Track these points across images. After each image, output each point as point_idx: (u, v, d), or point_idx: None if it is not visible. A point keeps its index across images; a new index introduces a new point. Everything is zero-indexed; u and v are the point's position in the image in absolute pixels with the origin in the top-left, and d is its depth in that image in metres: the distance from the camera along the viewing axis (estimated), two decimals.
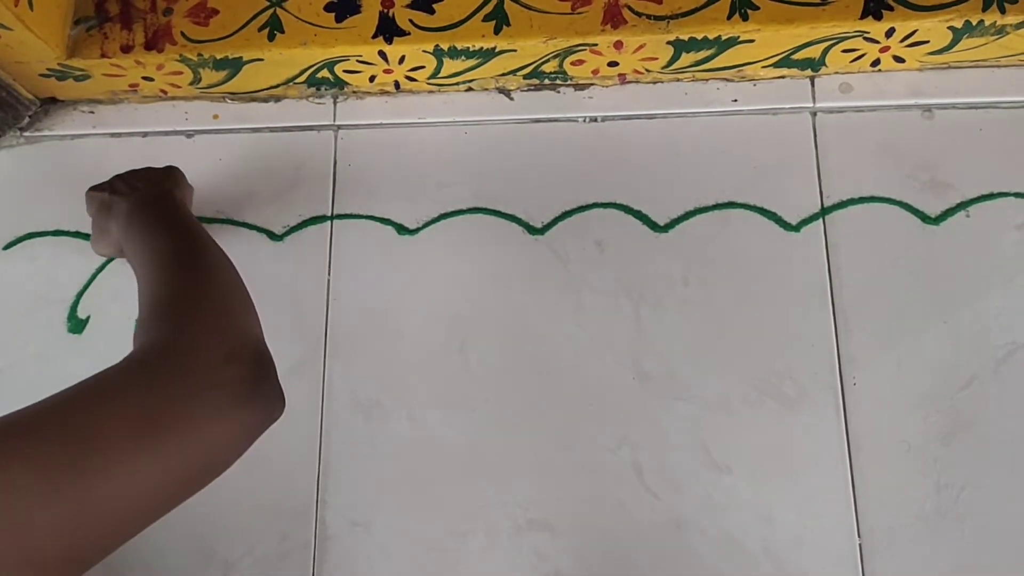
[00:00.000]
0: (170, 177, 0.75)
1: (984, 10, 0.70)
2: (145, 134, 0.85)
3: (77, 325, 0.80)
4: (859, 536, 0.70)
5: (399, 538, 0.73)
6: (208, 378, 0.48)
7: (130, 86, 0.82)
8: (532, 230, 0.79)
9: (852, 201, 0.77)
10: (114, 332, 0.79)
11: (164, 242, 0.62)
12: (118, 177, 0.74)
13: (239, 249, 0.80)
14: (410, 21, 0.75)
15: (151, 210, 0.67)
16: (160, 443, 0.44)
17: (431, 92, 0.84)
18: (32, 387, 0.77)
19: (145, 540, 0.70)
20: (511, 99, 0.83)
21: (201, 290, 0.56)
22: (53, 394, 0.46)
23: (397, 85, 0.83)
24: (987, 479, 0.70)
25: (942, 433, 0.71)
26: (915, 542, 0.70)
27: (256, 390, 0.50)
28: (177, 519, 0.73)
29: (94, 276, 0.81)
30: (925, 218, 0.76)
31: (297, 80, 0.81)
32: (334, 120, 0.84)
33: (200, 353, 0.49)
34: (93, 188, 0.74)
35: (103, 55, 0.76)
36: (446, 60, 0.77)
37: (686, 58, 0.77)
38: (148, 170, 0.75)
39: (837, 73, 0.80)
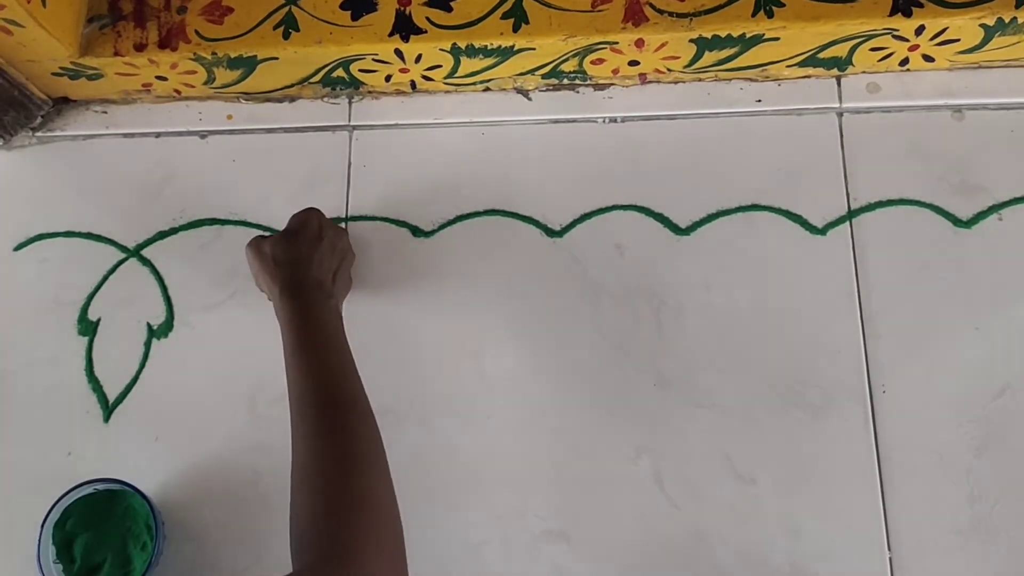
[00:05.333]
0: (344, 262, 0.71)
1: (1017, 7, 0.68)
2: (158, 134, 0.84)
3: (87, 327, 0.78)
4: (889, 550, 0.68)
5: (412, 548, 0.71)
6: None
7: (143, 85, 0.81)
8: (550, 233, 0.78)
9: (880, 204, 0.75)
10: (124, 335, 0.78)
11: (336, 410, 0.59)
12: (344, 240, 0.72)
13: None
14: (427, 19, 0.74)
15: (329, 340, 0.63)
16: None
17: (448, 92, 0.82)
18: (42, 390, 0.77)
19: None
20: (529, 99, 0.82)
21: (371, 501, 0.54)
22: None
23: (413, 85, 0.81)
24: (1022, 491, 0.68)
25: (975, 444, 0.69)
26: (947, 556, 0.67)
27: None
28: (185, 524, 0.72)
29: (105, 278, 0.80)
30: (956, 221, 0.74)
31: (312, 80, 0.80)
32: (349, 120, 0.83)
33: None
34: (318, 217, 0.71)
35: (116, 53, 0.75)
36: (463, 59, 0.76)
37: (709, 57, 0.75)
38: (343, 253, 0.72)
39: (864, 72, 0.78)
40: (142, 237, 0.81)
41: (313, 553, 0.51)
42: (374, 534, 0.52)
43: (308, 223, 0.70)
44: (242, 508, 0.73)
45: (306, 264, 0.67)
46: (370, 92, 0.83)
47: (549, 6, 0.73)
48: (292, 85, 0.82)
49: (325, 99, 0.84)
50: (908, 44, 0.73)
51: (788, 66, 0.77)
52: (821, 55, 0.75)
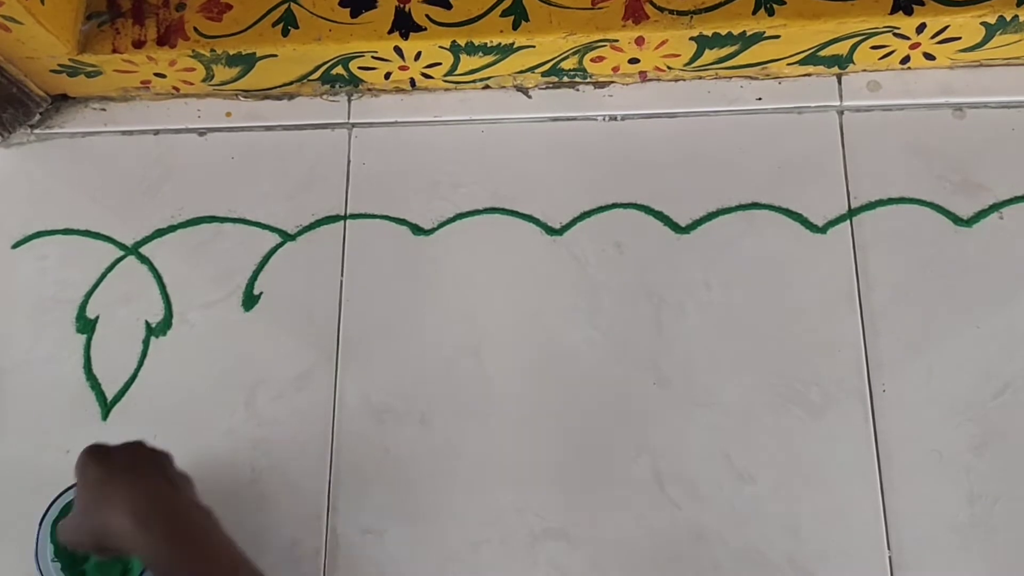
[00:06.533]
0: (169, 467, 0.59)
1: (1018, 5, 0.68)
2: (157, 132, 0.84)
3: (86, 325, 0.78)
4: (889, 548, 0.68)
5: (411, 546, 0.71)
6: None
7: (142, 83, 0.81)
8: (550, 231, 0.78)
9: (881, 202, 0.75)
10: (122, 333, 0.78)
11: None
12: (141, 449, 0.58)
13: (251, 249, 0.79)
14: (427, 16, 0.74)
15: (215, 549, 0.53)
16: None
17: (447, 90, 0.82)
18: (40, 387, 0.77)
19: None
20: (529, 97, 0.81)
21: None
22: None
23: (413, 82, 0.81)
24: (1022, 491, 0.68)
25: (975, 443, 0.69)
26: (947, 555, 0.67)
27: None
28: None
29: (103, 276, 0.80)
30: (957, 220, 0.74)
31: (311, 77, 0.80)
32: (348, 118, 0.82)
33: None
34: (93, 453, 0.58)
35: (115, 50, 0.75)
36: (463, 56, 0.76)
37: (709, 55, 0.75)
38: (172, 462, 0.60)
39: (865, 71, 0.78)
40: (141, 235, 0.81)
41: None
42: None
43: (93, 460, 0.57)
44: (240, 506, 0.73)
45: (134, 481, 0.55)
46: (369, 90, 0.83)
47: (549, 3, 0.73)
48: (291, 82, 0.81)
49: (324, 97, 0.83)
50: (909, 42, 0.73)
51: (789, 64, 0.77)
52: (822, 53, 0.75)
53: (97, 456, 0.57)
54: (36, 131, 0.85)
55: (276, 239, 0.80)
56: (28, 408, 0.77)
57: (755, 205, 0.76)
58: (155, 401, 0.76)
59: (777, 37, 0.72)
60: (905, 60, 0.76)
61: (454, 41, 0.73)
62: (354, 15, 0.74)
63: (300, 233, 0.79)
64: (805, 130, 0.78)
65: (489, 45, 0.74)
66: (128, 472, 0.55)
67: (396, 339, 0.76)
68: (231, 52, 0.75)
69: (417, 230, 0.79)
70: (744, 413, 0.72)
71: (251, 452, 0.74)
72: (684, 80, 0.80)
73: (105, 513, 0.53)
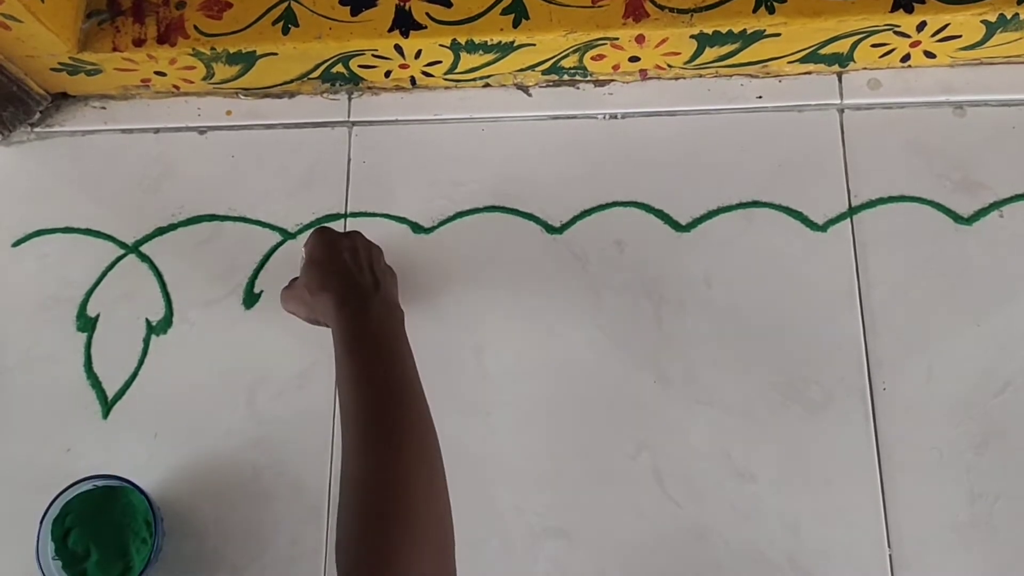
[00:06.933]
0: (395, 282, 0.69)
1: (1019, 3, 0.68)
2: (157, 130, 0.84)
3: (86, 324, 0.78)
4: (889, 547, 0.68)
5: None
6: None
7: (142, 81, 0.81)
8: (550, 229, 0.78)
9: (881, 200, 0.75)
10: (123, 332, 0.78)
11: (386, 401, 0.56)
12: (363, 243, 0.67)
13: (251, 247, 0.79)
14: (427, 14, 0.73)
15: (382, 333, 0.60)
16: None
17: (447, 88, 0.82)
18: (41, 386, 0.77)
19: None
20: (529, 95, 0.81)
21: (418, 506, 0.52)
22: None
23: (413, 81, 0.81)
24: (1022, 489, 0.68)
25: (975, 441, 0.69)
26: (947, 553, 0.67)
27: None
28: (184, 520, 0.72)
29: (104, 274, 0.80)
30: (957, 218, 0.74)
31: (311, 75, 0.80)
32: (348, 116, 0.82)
33: None
34: (329, 234, 0.66)
35: (115, 49, 0.75)
36: (463, 55, 0.76)
37: (709, 53, 0.75)
38: (384, 261, 0.69)
39: (866, 69, 0.78)
40: (141, 233, 0.81)
41: (353, 564, 0.49)
42: (414, 550, 0.50)
43: (317, 246, 0.66)
44: (241, 504, 0.73)
45: (340, 276, 0.63)
46: (370, 88, 0.83)
47: (550, 2, 0.72)
48: (291, 81, 0.81)
49: (324, 95, 0.83)
50: (909, 40, 0.73)
51: (789, 62, 0.77)
52: (822, 51, 0.75)
53: (325, 239, 0.66)
54: (36, 129, 0.85)
55: (277, 237, 0.80)
56: (29, 407, 0.77)
57: (755, 203, 0.76)
58: (156, 399, 0.76)
59: (777, 35, 0.72)
60: (906, 58, 0.76)
61: (454, 39, 0.73)
62: (354, 13, 0.74)
63: (300, 231, 0.79)
64: (805, 128, 0.78)
65: (489, 43, 0.74)
66: (343, 261, 0.64)
67: None
68: (231, 50, 0.75)
69: (417, 228, 0.79)
70: (744, 411, 0.71)
71: (252, 450, 0.74)
72: (684, 78, 0.80)
73: (319, 292, 0.63)
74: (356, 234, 0.68)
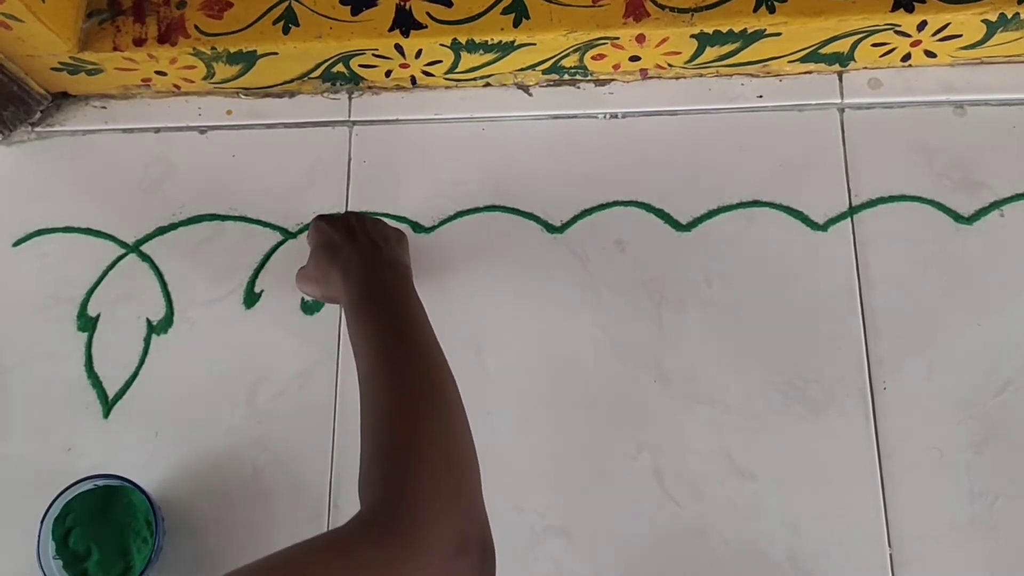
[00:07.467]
0: (402, 244, 0.71)
1: (1020, 3, 0.68)
2: (158, 130, 0.84)
3: (87, 323, 0.78)
4: (889, 546, 0.68)
5: None
6: (440, 570, 0.46)
7: (143, 80, 0.81)
8: (551, 229, 0.78)
9: (882, 200, 0.75)
10: (123, 331, 0.78)
11: (398, 348, 0.57)
12: (356, 218, 0.69)
13: (252, 247, 0.79)
14: (427, 14, 0.73)
15: (387, 289, 0.63)
16: None
17: (448, 87, 0.82)
18: (42, 386, 0.77)
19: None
20: (530, 95, 0.81)
21: (438, 440, 0.52)
22: (278, 556, 0.45)
23: (413, 80, 0.81)
24: (1022, 488, 0.68)
25: (976, 440, 0.69)
26: (947, 552, 0.67)
27: None
28: (185, 519, 0.72)
29: (104, 274, 0.80)
30: (958, 217, 0.74)
31: (312, 75, 0.80)
32: (349, 116, 0.82)
33: (434, 542, 0.47)
34: (325, 219, 0.69)
35: (115, 48, 0.75)
36: (464, 54, 0.76)
37: (710, 52, 0.75)
38: (383, 225, 0.71)
39: (866, 68, 0.78)
40: (142, 233, 0.81)
41: (371, 497, 0.49)
42: (436, 479, 0.50)
43: (315, 231, 0.69)
44: (242, 503, 0.73)
45: (340, 250, 0.66)
46: (370, 87, 0.83)
47: (550, 1, 0.72)
48: (292, 80, 0.81)
49: (325, 94, 0.83)
50: (910, 40, 0.73)
51: (789, 62, 0.77)
52: (823, 51, 0.75)
53: (321, 224, 0.68)
54: (37, 129, 0.85)
55: (277, 237, 0.80)
56: (29, 406, 0.77)
57: (756, 203, 0.76)
58: (157, 399, 0.76)
59: (778, 35, 0.72)
60: (906, 58, 0.76)
61: (455, 39, 0.73)
62: (355, 13, 0.74)
63: (301, 231, 0.79)
64: (806, 128, 0.78)
65: (490, 43, 0.74)
66: (342, 236, 0.66)
67: None
68: (232, 50, 0.75)
69: (417, 228, 0.79)
70: (745, 410, 0.71)
71: (252, 449, 0.74)
72: (685, 78, 0.80)
73: (327, 268, 0.66)
74: (349, 213, 0.71)
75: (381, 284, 0.63)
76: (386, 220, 0.79)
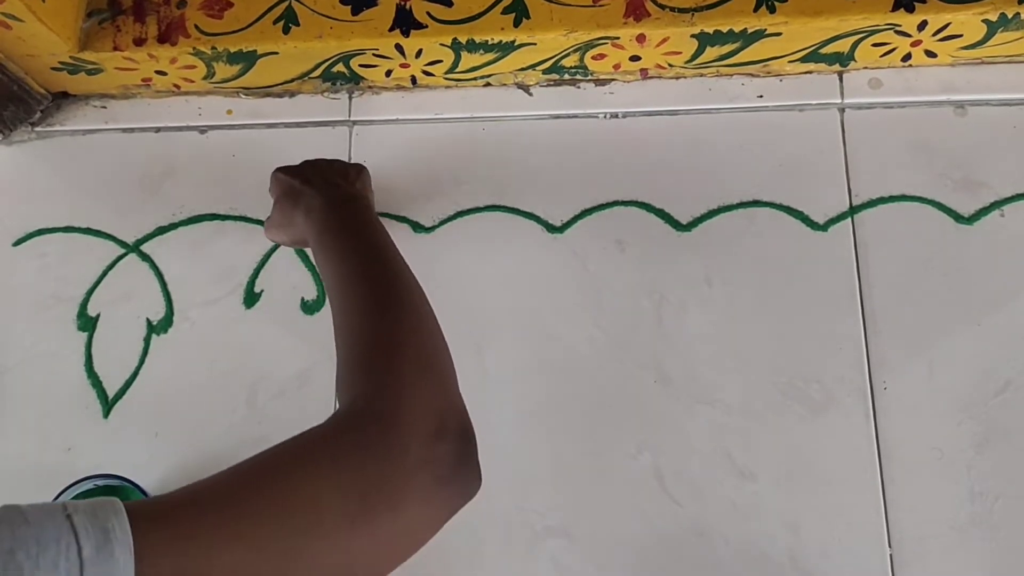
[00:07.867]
0: (362, 178, 0.71)
1: (1020, 2, 0.68)
2: (158, 129, 0.84)
3: (87, 323, 0.78)
4: (890, 546, 0.68)
5: None
6: (420, 455, 0.46)
7: (143, 80, 0.81)
8: (551, 229, 0.78)
9: (882, 200, 0.75)
10: (123, 331, 0.78)
11: (365, 265, 0.58)
12: (310, 164, 0.71)
13: (252, 247, 0.79)
14: (427, 14, 0.73)
15: (349, 218, 0.63)
16: (371, 523, 0.43)
17: (448, 87, 0.82)
18: (42, 385, 0.77)
19: None
20: (530, 95, 0.81)
21: (410, 337, 0.53)
22: (259, 456, 0.46)
23: (414, 80, 0.81)
24: (1022, 488, 0.68)
25: (976, 440, 0.69)
26: (948, 553, 0.67)
27: (461, 469, 0.49)
28: None
29: (104, 273, 0.80)
30: (958, 217, 0.74)
31: (312, 75, 0.80)
32: (349, 116, 0.82)
33: (413, 425, 0.47)
34: (283, 171, 0.70)
35: (115, 48, 0.75)
36: (464, 54, 0.76)
37: (710, 52, 0.75)
38: (340, 164, 0.72)
39: (866, 68, 0.78)
40: (142, 232, 0.81)
41: (349, 395, 0.50)
42: (411, 376, 0.50)
43: (275, 183, 0.70)
44: None
45: (299, 195, 0.67)
46: (370, 87, 0.83)
47: (550, 1, 0.72)
48: (292, 80, 0.81)
49: (325, 94, 0.83)
50: (910, 40, 0.73)
51: (790, 62, 0.77)
52: (823, 51, 0.75)
53: (279, 176, 0.70)
54: (37, 129, 0.85)
55: None
56: (29, 406, 0.77)
57: (756, 203, 0.76)
58: (156, 399, 0.76)
59: (778, 34, 0.72)
60: (906, 57, 0.76)
61: (455, 38, 0.73)
62: (355, 12, 0.74)
63: None
64: (806, 128, 0.78)
65: (490, 42, 0.74)
66: (300, 183, 0.67)
67: None
68: (232, 50, 0.75)
69: (418, 227, 0.79)
70: (745, 410, 0.71)
71: (252, 450, 0.73)
72: (685, 77, 0.80)
73: (291, 212, 0.67)
74: (305, 160, 0.72)
75: (343, 216, 0.63)
76: (385, 219, 0.79)
